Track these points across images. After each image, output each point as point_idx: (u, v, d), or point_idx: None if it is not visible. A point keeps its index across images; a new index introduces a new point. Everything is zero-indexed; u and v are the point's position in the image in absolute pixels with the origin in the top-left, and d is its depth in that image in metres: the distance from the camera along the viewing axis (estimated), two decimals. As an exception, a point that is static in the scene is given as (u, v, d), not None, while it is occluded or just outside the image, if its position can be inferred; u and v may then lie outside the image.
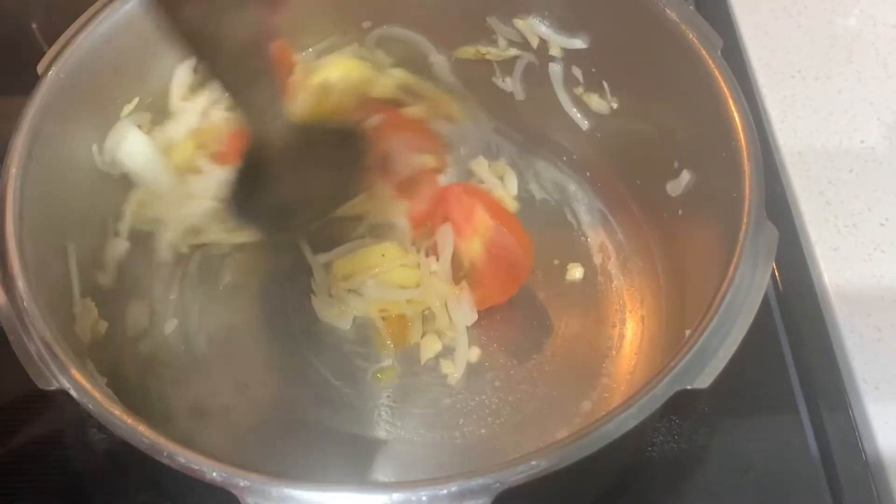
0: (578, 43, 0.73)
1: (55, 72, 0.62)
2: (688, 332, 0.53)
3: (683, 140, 0.67)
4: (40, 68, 0.62)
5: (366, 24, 0.79)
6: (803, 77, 0.86)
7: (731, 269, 0.53)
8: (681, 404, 0.65)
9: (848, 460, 0.65)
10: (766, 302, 0.74)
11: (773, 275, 0.75)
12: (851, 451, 0.66)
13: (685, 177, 0.66)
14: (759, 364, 0.70)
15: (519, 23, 0.75)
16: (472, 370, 0.71)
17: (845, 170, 0.79)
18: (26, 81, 0.62)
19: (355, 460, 0.67)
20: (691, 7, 0.65)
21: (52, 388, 0.49)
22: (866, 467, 0.65)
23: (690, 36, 0.63)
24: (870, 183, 0.78)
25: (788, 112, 0.83)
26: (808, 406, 0.69)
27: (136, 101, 0.69)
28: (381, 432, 0.68)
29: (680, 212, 0.68)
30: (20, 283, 0.52)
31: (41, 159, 0.59)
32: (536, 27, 0.74)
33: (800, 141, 0.81)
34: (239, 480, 0.45)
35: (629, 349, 0.71)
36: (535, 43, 0.75)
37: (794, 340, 0.72)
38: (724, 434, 0.68)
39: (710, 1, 0.92)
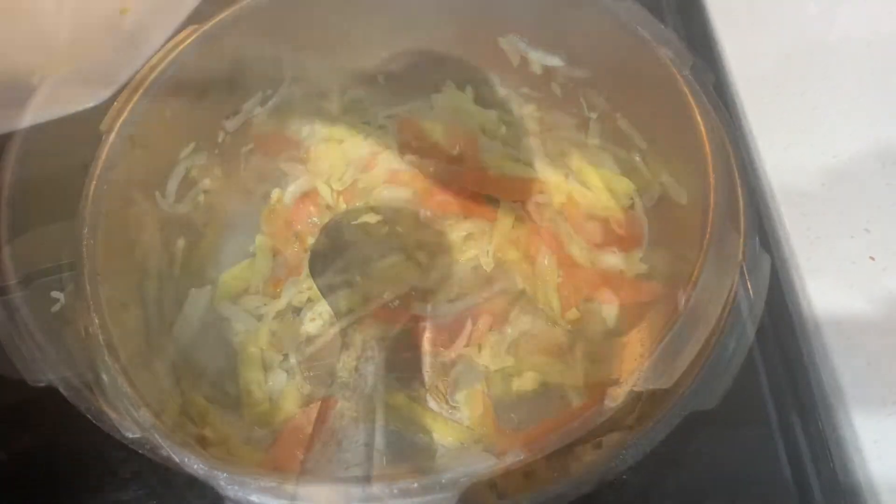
0: (556, 60, 0.75)
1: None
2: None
3: (659, 152, 0.69)
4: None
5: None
6: (780, 92, 0.87)
7: (696, 271, 0.54)
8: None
9: (817, 470, 0.67)
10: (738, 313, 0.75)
11: (745, 286, 0.76)
12: (821, 461, 0.67)
13: (661, 187, 0.68)
14: (730, 375, 0.72)
15: (501, 41, 0.78)
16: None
17: (818, 183, 0.81)
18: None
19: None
20: (663, 26, 0.67)
21: (42, 383, 0.50)
22: (835, 477, 0.66)
23: (662, 53, 0.65)
24: (842, 196, 0.79)
25: (765, 126, 0.85)
26: (779, 417, 0.70)
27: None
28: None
29: (655, 224, 0.70)
30: (11, 284, 0.54)
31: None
32: (517, 44, 0.77)
33: (775, 154, 0.82)
34: (219, 473, 0.47)
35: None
36: (515, 62, 0.78)
37: (765, 351, 0.74)
38: (697, 444, 0.69)
39: (691, 18, 0.94)
